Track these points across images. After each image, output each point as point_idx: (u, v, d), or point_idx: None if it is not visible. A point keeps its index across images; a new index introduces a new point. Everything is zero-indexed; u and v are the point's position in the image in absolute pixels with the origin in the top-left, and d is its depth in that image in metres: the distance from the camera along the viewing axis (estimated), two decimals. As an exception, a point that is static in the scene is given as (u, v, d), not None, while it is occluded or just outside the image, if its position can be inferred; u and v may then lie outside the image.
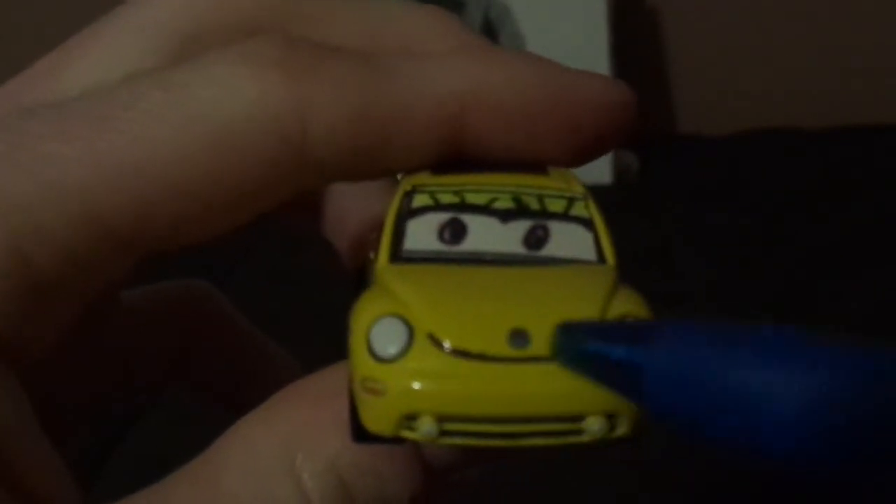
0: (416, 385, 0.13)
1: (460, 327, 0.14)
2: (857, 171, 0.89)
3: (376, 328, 0.14)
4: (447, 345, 0.13)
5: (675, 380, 0.11)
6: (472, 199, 0.16)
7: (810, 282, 0.72)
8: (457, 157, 0.16)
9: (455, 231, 0.15)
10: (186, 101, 0.15)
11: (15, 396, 0.15)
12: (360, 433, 0.14)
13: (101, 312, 0.20)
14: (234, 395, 0.16)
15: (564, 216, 0.16)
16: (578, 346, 0.13)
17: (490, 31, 0.95)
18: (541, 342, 0.13)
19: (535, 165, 0.17)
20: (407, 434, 0.13)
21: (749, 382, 0.10)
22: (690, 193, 0.89)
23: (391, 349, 0.13)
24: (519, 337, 0.13)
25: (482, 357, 0.13)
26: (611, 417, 0.13)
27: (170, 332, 0.22)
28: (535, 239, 0.16)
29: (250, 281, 0.72)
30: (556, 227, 0.16)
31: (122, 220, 0.15)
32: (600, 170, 0.92)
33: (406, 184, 0.16)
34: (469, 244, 0.15)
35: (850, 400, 0.09)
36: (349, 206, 0.20)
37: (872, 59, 1.04)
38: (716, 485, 0.50)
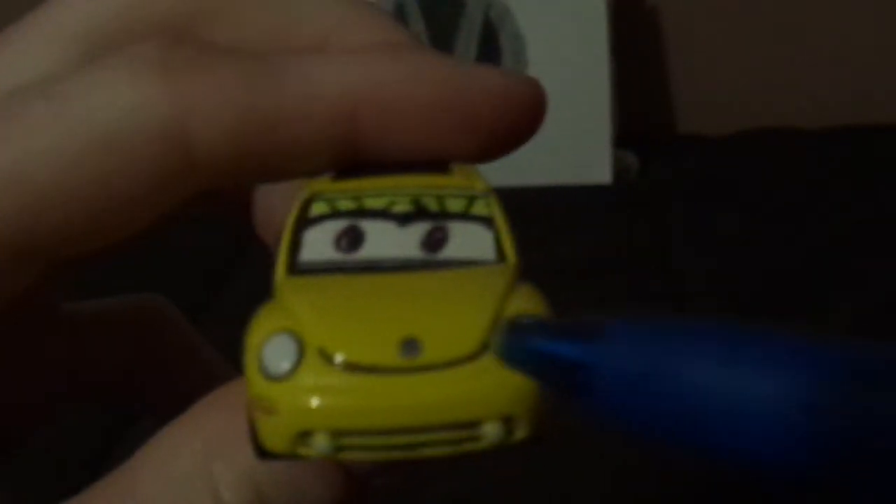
0: (307, 403, 0.13)
1: (351, 340, 0.13)
2: (857, 171, 0.89)
3: (267, 346, 0.14)
4: (338, 359, 0.13)
5: (626, 378, 0.11)
6: (370, 203, 0.16)
7: (810, 282, 0.72)
8: (359, 160, 0.16)
9: (352, 239, 0.15)
10: (68, 110, 0.15)
11: None
12: (261, 451, 0.14)
13: (37, 321, 0.20)
14: (177, 412, 0.16)
15: (464, 216, 0.16)
16: (524, 345, 0.13)
17: (490, 31, 0.95)
18: (432, 349, 0.13)
19: (439, 164, 0.17)
20: (303, 451, 0.13)
21: (709, 383, 0.10)
22: (690, 193, 0.89)
23: (281, 367, 0.13)
24: (410, 346, 0.13)
25: (373, 369, 0.13)
26: (508, 421, 0.13)
27: (117, 345, 0.22)
28: (434, 241, 0.15)
29: (248, 282, 0.72)
30: (455, 227, 0.16)
31: (13, 229, 0.15)
32: (600, 170, 0.92)
33: (306, 191, 0.16)
34: (366, 251, 0.15)
35: (826, 403, 0.09)
36: (275, 203, 0.20)
37: (872, 59, 1.04)
38: (705, 482, 0.49)
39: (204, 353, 0.23)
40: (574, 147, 0.90)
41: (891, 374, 0.09)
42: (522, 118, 0.17)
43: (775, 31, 1.05)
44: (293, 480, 0.15)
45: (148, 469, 0.15)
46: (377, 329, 0.14)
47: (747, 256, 0.77)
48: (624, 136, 0.95)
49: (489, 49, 0.95)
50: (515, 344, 0.13)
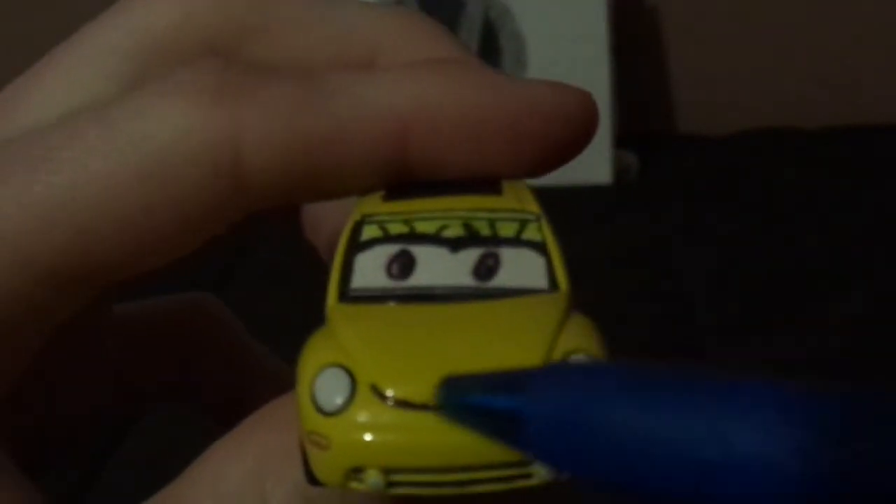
0: (360, 439, 0.13)
1: (403, 377, 0.13)
2: (857, 171, 0.89)
3: (320, 380, 0.14)
4: (390, 395, 0.13)
5: (553, 426, 0.11)
6: (421, 227, 0.16)
7: (810, 281, 0.72)
8: (410, 178, 0.16)
9: (403, 265, 0.15)
10: (119, 137, 0.15)
11: None
12: (313, 478, 0.14)
13: (89, 331, 0.20)
14: (231, 412, 0.16)
15: (516, 241, 0.16)
16: (460, 399, 0.13)
17: (490, 31, 0.95)
18: None
19: (490, 182, 0.16)
20: (355, 486, 0.13)
21: (627, 426, 0.10)
22: (690, 193, 0.89)
23: (334, 402, 0.13)
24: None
25: (425, 407, 0.13)
26: None
27: (167, 346, 0.22)
28: (485, 269, 0.15)
29: (248, 283, 0.72)
30: (507, 253, 0.15)
31: (62, 260, 0.15)
32: (600, 170, 0.92)
33: (356, 213, 0.16)
34: (417, 278, 0.15)
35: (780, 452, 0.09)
36: (324, 210, 0.20)
37: (872, 59, 1.04)
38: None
39: (257, 350, 0.23)
40: (574, 147, 0.90)
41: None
42: (574, 131, 0.17)
43: (775, 32, 1.05)
44: (345, 499, 0.15)
45: (198, 488, 0.15)
46: (428, 365, 0.13)
47: (747, 256, 0.77)
48: (624, 136, 0.95)
49: (489, 49, 0.95)
50: (452, 401, 0.13)
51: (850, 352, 0.64)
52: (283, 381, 0.15)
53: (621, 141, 0.94)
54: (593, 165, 0.91)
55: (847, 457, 0.09)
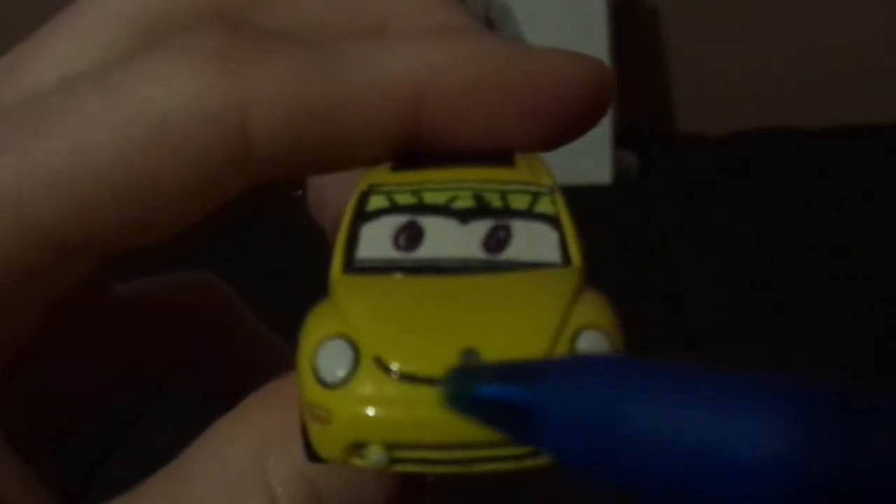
0: (362, 413, 0.13)
1: (408, 349, 0.13)
2: (857, 171, 0.89)
3: (322, 351, 0.13)
4: (394, 368, 0.13)
5: (570, 420, 0.11)
6: (430, 198, 0.15)
7: (810, 281, 0.72)
8: (420, 148, 0.16)
9: (411, 236, 0.15)
10: (123, 102, 0.15)
11: None
12: (313, 454, 0.13)
13: (90, 308, 0.20)
14: (234, 392, 0.15)
15: (528, 213, 0.15)
16: (470, 392, 0.12)
17: (490, 31, 0.95)
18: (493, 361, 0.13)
19: (502, 154, 0.16)
20: (356, 462, 0.13)
21: (648, 421, 0.10)
22: (690, 193, 0.89)
23: (336, 374, 0.13)
24: (470, 357, 0.13)
25: (430, 381, 0.12)
26: None
27: (169, 325, 0.22)
28: (496, 241, 0.15)
29: (245, 280, 0.72)
30: (518, 226, 0.15)
31: (64, 227, 0.15)
32: (600, 170, 0.92)
33: (363, 183, 0.15)
34: (425, 250, 0.15)
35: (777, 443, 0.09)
36: (328, 185, 0.19)
37: (872, 59, 1.04)
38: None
39: (260, 330, 0.22)
40: (574, 147, 0.89)
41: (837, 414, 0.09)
42: (589, 102, 0.16)
43: (775, 32, 1.05)
44: (347, 475, 0.14)
45: (200, 465, 0.15)
46: (435, 338, 0.13)
47: (747, 256, 0.77)
48: (624, 136, 0.95)
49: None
50: (461, 392, 0.12)
51: (852, 351, 0.64)
52: (286, 362, 0.14)
53: (621, 141, 0.94)
54: (593, 165, 0.91)
55: (840, 449, 0.08)
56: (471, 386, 0.12)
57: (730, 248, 0.78)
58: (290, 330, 0.23)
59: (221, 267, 0.75)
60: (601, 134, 0.92)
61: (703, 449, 0.09)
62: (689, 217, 0.84)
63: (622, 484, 0.10)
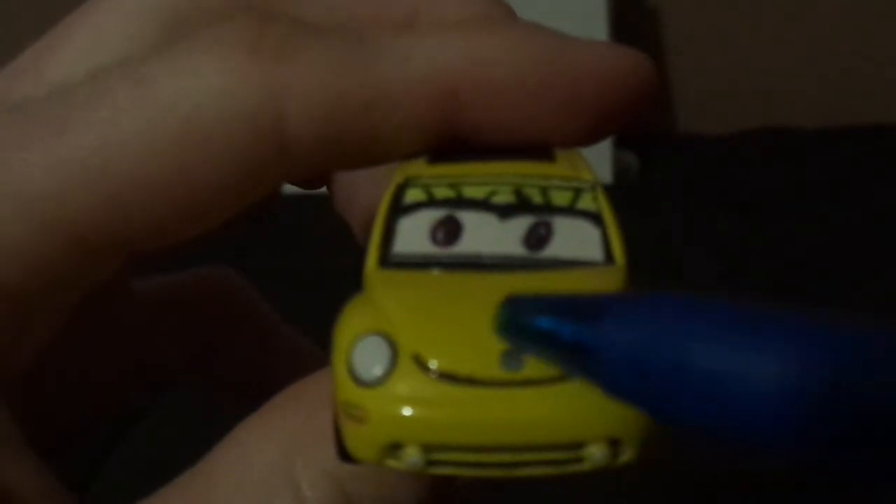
0: (399, 413, 0.12)
1: (448, 348, 0.12)
2: (857, 171, 0.89)
3: (358, 348, 0.13)
4: (433, 367, 0.12)
5: (626, 360, 0.10)
6: (469, 192, 0.14)
7: (810, 281, 0.72)
8: (457, 142, 0.15)
9: (449, 231, 0.14)
10: (153, 96, 0.14)
11: None
12: (346, 455, 0.13)
13: (109, 305, 0.19)
14: (256, 388, 0.15)
15: (570, 210, 0.15)
16: (525, 322, 0.12)
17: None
18: (535, 363, 0.12)
19: (541, 149, 0.15)
20: (392, 463, 0.12)
21: (708, 363, 0.09)
22: (690, 193, 0.89)
23: (373, 372, 0.12)
24: (511, 358, 0.12)
25: (471, 381, 0.12)
26: (613, 444, 0.12)
27: (186, 321, 0.21)
28: (537, 238, 0.14)
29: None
30: (560, 223, 0.14)
31: (92, 225, 0.14)
32: (600, 170, 0.92)
33: (399, 175, 0.15)
34: (464, 245, 0.14)
35: (816, 384, 0.08)
36: (358, 181, 0.18)
37: (872, 59, 1.04)
38: (717, 483, 0.49)
39: (279, 325, 0.22)
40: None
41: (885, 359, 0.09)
42: (630, 96, 0.16)
43: (775, 32, 1.05)
44: (378, 478, 0.14)
45: (225, 467, 0.14)
46: (476, 337, 0.12)
47: (747, 256, 0.77)
48: (624, 136, 0.95)
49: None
50: (514, 321, 0.12)
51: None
52: (306, 358, 0.14)
53: (621, 141, 0.94)
54: (593, 165, 0.91)
55: (858, 389, 0.08)
56: (527, 318, 0.12)
57: (730, 248, 0.78)
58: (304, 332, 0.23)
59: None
60: (601, 134, 0.92)
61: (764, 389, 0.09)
62: (690, 217, 0.84)
63: (678, 420, 0.10)
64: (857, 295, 0.69)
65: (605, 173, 0.92)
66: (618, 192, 0.91)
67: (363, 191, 0.18)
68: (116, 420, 0.21)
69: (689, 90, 1.07)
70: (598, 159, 0.92)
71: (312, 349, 0.21)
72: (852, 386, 0.08)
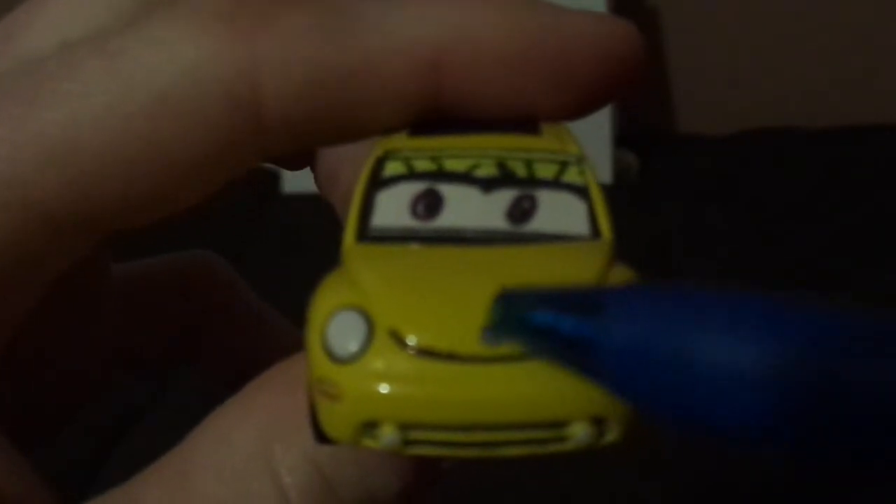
0: (375, 390, 0.12)
1: (426, 322, 0.12)
2: (857, 171, 0.89)
3: (333, 323, 0.12)
4: (411, 343, 0.12)
5: (629, 354, 0.10)
6: (450, 165, 0.14)
7: (810, 282, 0.72)
8: (439, 115, 0.15)
9: (430, 204, 0.14)
10: (125, 69, 0.14)
11: None
12: (321, 435, 0.13)
13: (85, 290, 0.19)
14: (238, 376, 0.15)
15: (555, 183, 0.14)
16: (521, 318, 0.11)
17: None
18: None
19: (527, 123, 0.15)
20: (368, 443, 0.12)
21: (705, 357, 0.09)
22: (690, 193, 0.88)
23: (348, 348, 0.12)
24: (492, 333, 0.12)
25: (450, 357, 0.12)
26: (598, 422, 0.12)
27: (169, 307, 0.21)
28: (521, 211, 0.14)
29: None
30: (544, 196, 0.14)
31: (62, 202, 0.14)
32: (600, 170, 0.92)
33: (378, 148, 0.14)
34: (445, 219, 0.14)
35: (799, 371, 0.08)
36: (341, 159, 0.18)
37: (872, 59, 1.04)
38: (717, 483, 0.49)
39: (264, 310, 0.21)
40: (574, 147, 0.90)
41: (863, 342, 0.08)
42: (618, 68, 0.15)
43: (775, 32, 1.05)
44: (359, 461, 0.14)
45: (202, 453, 0.14)
46: (456, 311, 0.12)
47: (747, 256, 0.77)
48: (624, 136, 0.95)
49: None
50: (510, 316, 0.12)
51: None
52: (293, 344, 0.14)
53: (621, 141, 0.94)
54: (593, 165, 0.91)
55: (826, 373, 0.08)
56: (522, 312, 0.11)
57: (730, 248, 0.78)
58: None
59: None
60: (601, 134, 0.92)
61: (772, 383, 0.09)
62: (690, 217, 0.84)
63: (680, 416, 0.09)
64: (856, 294, 0.69)
65: (605, 173, 0.92)
66: (618, 192, 0.91)
67: (345, 170, 0.18)
68: (116, 420, 0.21)
69: (689, 90, 1.07)
70: (598, 159, 0.92)
71: (298, 335, 0.21)
72: (833, 370, 0.08)
